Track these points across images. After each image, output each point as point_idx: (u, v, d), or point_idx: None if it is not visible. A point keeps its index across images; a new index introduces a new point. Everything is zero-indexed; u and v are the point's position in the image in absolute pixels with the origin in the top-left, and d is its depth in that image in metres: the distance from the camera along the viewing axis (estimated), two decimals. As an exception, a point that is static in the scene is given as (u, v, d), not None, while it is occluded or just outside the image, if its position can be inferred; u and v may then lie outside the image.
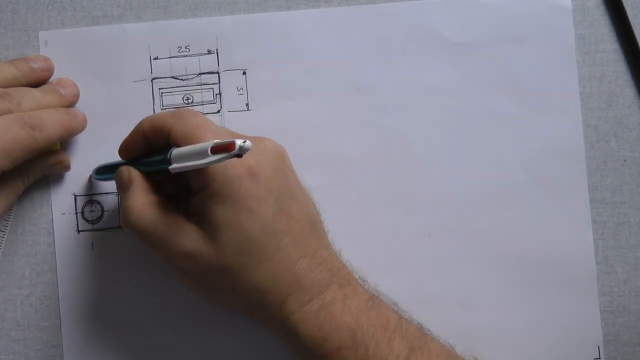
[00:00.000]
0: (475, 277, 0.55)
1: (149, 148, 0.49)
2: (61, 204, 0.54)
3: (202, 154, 0.43)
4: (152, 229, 0.46)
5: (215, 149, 0.42)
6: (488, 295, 0.55)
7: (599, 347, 0.55)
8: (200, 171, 0.46)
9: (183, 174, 0.47)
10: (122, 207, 0.48)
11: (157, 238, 0.46)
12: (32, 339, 0.54)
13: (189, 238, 0.46)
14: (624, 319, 0.55)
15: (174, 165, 0.45)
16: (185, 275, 0.48)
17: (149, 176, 0.49)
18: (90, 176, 0.54)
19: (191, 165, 0.44)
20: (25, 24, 0.55)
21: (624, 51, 0.56)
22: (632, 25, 0.55)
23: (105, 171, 0.53)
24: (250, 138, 0.49)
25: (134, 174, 0.49)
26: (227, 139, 0.42)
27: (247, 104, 0.55)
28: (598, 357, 0.54)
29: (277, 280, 0.46)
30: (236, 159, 0.42)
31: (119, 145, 0.50)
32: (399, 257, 0.55)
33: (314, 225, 0.49)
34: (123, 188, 0.49)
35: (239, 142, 0.41)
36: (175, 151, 0.46)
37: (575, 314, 0.55)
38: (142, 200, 0.47)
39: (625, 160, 0.56)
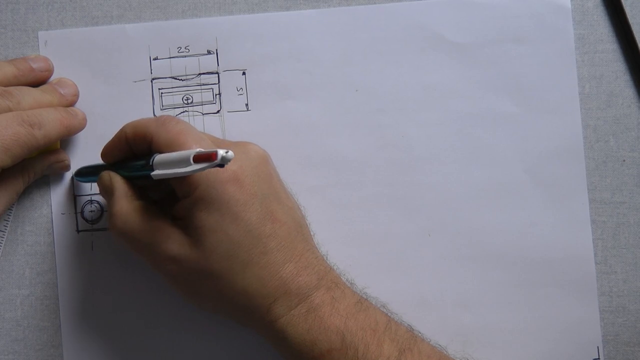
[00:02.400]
0: (475, 277, 0.55)
1: (131, 153, 0.49)
2: (61, 204, 0.54)
3: (184, 162, 0.43)
4: (137, 235, 0.47)
5: (198, 158, 0.42)
6: (487, 295, 0.55)
7: (598, 347, 0.55)
8: (184, 178, 0.46)
9: (167, 180, 0.47)
10: (107, 214, 0.48)
11: (143, 243, 0.47)
12: (32, 339, 0.54)
13: (174, 242, 0.46)
14: (623, 319, 0.55)
15: (156, 172, 0.46)
16: (173, 280, 0.48)
17: (132, 181, 0.49)
18: (72, 177, 0.54)
19: (173, 173, 0.44)
20: (25, 23, 0.55)
21: (623, 51, 0.56)
22: (632, 25, 0.55)
23: (87, 173, 0.53)
24: (233, 143, 0.49)
25: (116, 180, 0.49)
26: (210, 149, 0.42)
27: (246, 104, 0.55)
28: (597, 357, 0.54)
29: (263, 284, 0.46)
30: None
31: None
32: (399, 257, 0.55)
33: (300, 229, 0.49)
34: (107, 194, 0.49)
35: (221, 152, 0.41)
36: (158, 157, 0.46)
37: (574, 314, 0.55)
38: (127, 207, 0.47)
39: (624, 160, 0.56)
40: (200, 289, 0.47)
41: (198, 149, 0.43)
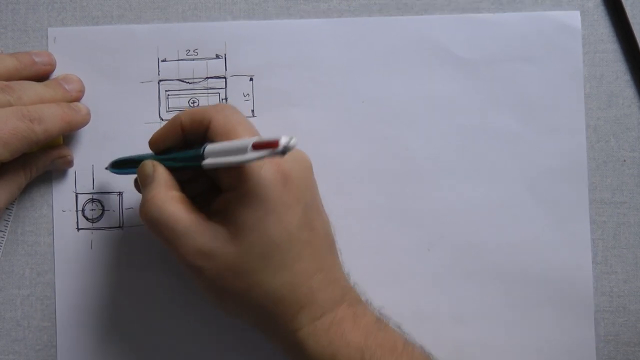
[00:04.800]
0: (472, 292, 0.55)
1: (181, 143, 0.49)
2: (62, 201, 0.54)
3: (241, 150, 0.42)
4: (173, 223, 0.45)
5: (258, 146, 0.41)
6: (484, 311, 0.55)
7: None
8: (233, 170, 0.45)
9: (210, 173, 0.47)
10: (142, 200, 0.47)
11: (178, 233, 0.45)
12: (32, 339, 0.54)
13: (211, 235, 0.45)
14: (623, 319, 0.55)
15: (208, 161, 0.45)
16: (199, 276, 0.46)
17: (173, 173, 0.48)
18: (108, 168, 0.53)
19: (229, 162, 0.43)
20: (25, 23, 0.55)
21: (623, 51, 0.56)
22: (632, 25, 0.55)
23: (124, 165, 0.52)
24: None
25: (159, 168, 0.48)
26: (270, 138, 0.41)
27: (252, 110, 0.55)
28: (592, 381, 0.55)
29: (292, 290, 0.46)
30: (274, 159, 0.41)
31: (150, 137, 0.50)
32: (397, 270, 0.55)
33: (331, 243, 0.49)
34: (146, 181, 0.48)
35: (284, 138, 0.40)
36: (210, 146, 0.45)
37: (570, 336, 0.54)
38: (165, 194, 0.46)
39: (625, 161, 0.56)
40: (227, 287, 0.46)
41: (257, 137, 0.42)
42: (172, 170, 0.48)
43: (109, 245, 0.54)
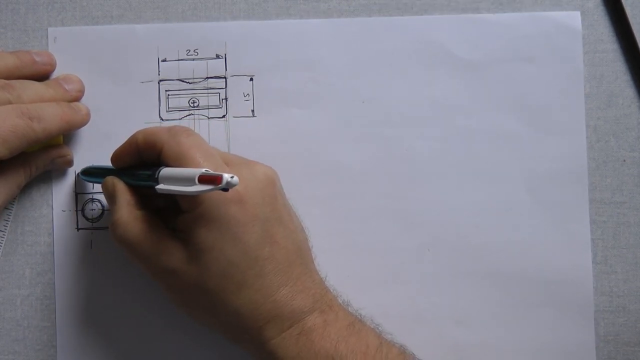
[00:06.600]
0: (472, 294, 0.55)
1: (140, 160, 0.49)
2: (62, 201, 0.54)
3: (189, 180, 0.43)
4: (137, 245, 0.47)
5: (203, 179, 0.42)
6: (484, 313, 0.55)
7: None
8: None
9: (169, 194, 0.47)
10: (110, 222, 0.48)
11: (142, 253, 0.47)
12: (32, 339, 0.54)
13: (172, 256, 0.46)
14: (623, 319, 0.55)
15: (161, 186, 0.46)
16: (169, 291, 0.48)
17: (137, 188, 0.49)
18: (77, 174, 0.54)
19: (177, 191, 0.44)
20: (25, 24, 0.55)
21: (623, 51, 0.56)
22: (632, 25, 0.55)
23: (93, 174, 0.53)
24: (242, 162, 0.49)
25: (119, 187, 0.49)
26: (216, 170, 0.42)
27: (252, 110, 0.55)
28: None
29: (255, 306, 0.46)
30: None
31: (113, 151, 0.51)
32: (397, 271, 0.55)
33: (300, 252, 0.49)
34: (109, 200, 0.50)
35: (226, 176, 0.41)
36: (164, 171, 0.46)
37: (570, 338, 0.54)
38: (128, 216, 0.48)
39: (624, 160, 0.56)
40: (195, 303, 0.48)
41: (204, 170, 0.43)
42: (135, 186, 0.49)
43: (109, 245, 0.54)
